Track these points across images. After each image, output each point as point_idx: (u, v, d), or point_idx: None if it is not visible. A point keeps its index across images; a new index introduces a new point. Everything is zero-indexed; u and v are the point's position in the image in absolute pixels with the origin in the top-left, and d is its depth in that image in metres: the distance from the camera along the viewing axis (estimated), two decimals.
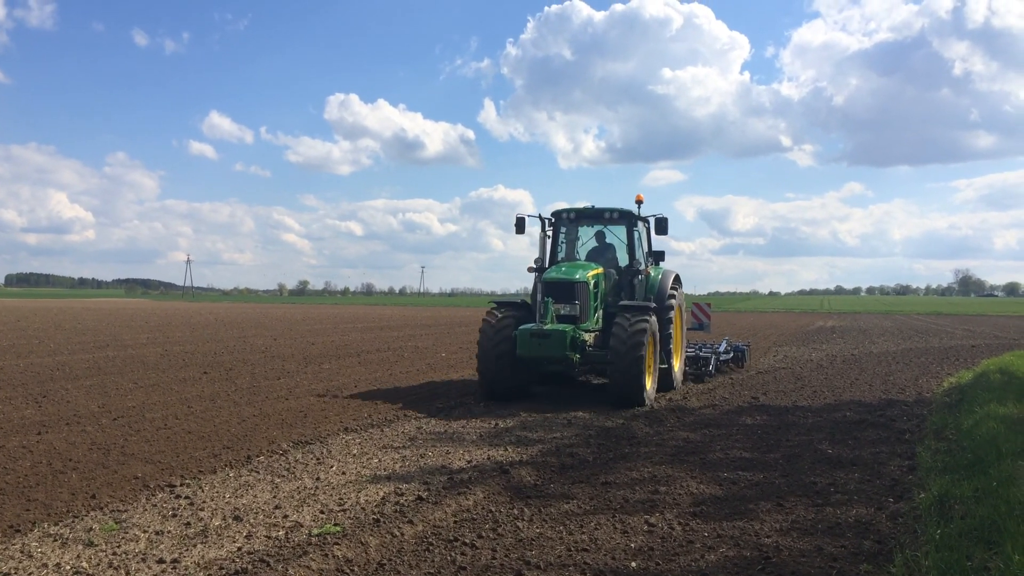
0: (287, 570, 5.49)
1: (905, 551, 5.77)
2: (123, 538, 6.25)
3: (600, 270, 14.57)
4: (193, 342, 27.97)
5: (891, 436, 10.86)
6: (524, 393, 14.18)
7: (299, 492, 7.71)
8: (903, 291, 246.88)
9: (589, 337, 13.71)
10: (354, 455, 9.40)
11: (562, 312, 13.59)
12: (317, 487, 7.90)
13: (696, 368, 17.74)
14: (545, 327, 13.02)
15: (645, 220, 15.73)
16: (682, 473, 8.64)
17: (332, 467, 8.74)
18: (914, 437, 10.65)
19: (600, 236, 16.04)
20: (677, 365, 15.96)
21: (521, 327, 13.30)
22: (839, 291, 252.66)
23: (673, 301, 15.26)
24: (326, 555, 5.81)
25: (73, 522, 6.66)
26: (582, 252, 16.04)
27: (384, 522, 6.68)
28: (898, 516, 6.92)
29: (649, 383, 13.43)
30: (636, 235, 15.21)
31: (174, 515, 6.89)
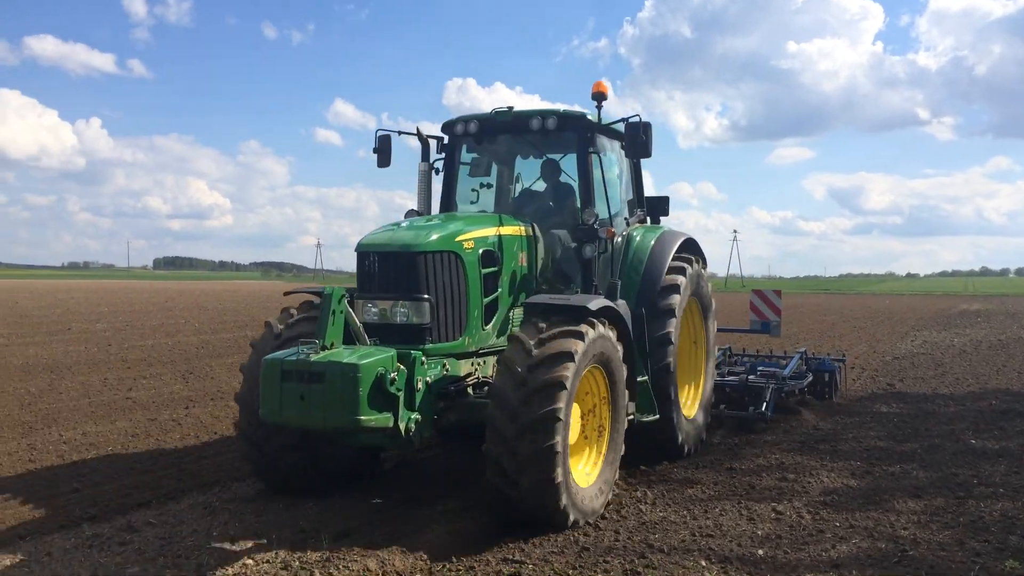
0: None
1: None
2: (265, 508, 6.63)
3: (515, 229, 7.28)
4: None
5: None
6: (356, 474, 7.28)
7: None
8: None
9: (476, 367, 6.85)
10: None
11: (397, 320, 6.40)
12: None
13: (740, 407, 10.28)
14: (313, 357, 5.69)
15: (615, 133, 8.20)
16: (812, 461, 8.38)
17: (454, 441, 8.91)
18: None
19: (550, 170, 8.39)
20: (694, 408, 8.84)
21: (268, 357, 5.94)
22: (985, 272, 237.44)
23: (676, 289, 8.13)
24: None
25: (219, 491, 7.13)
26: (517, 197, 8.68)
27: None
28: None
29: (590, 475, 6.51)
30: (595, 162, 7.77)
31: None
